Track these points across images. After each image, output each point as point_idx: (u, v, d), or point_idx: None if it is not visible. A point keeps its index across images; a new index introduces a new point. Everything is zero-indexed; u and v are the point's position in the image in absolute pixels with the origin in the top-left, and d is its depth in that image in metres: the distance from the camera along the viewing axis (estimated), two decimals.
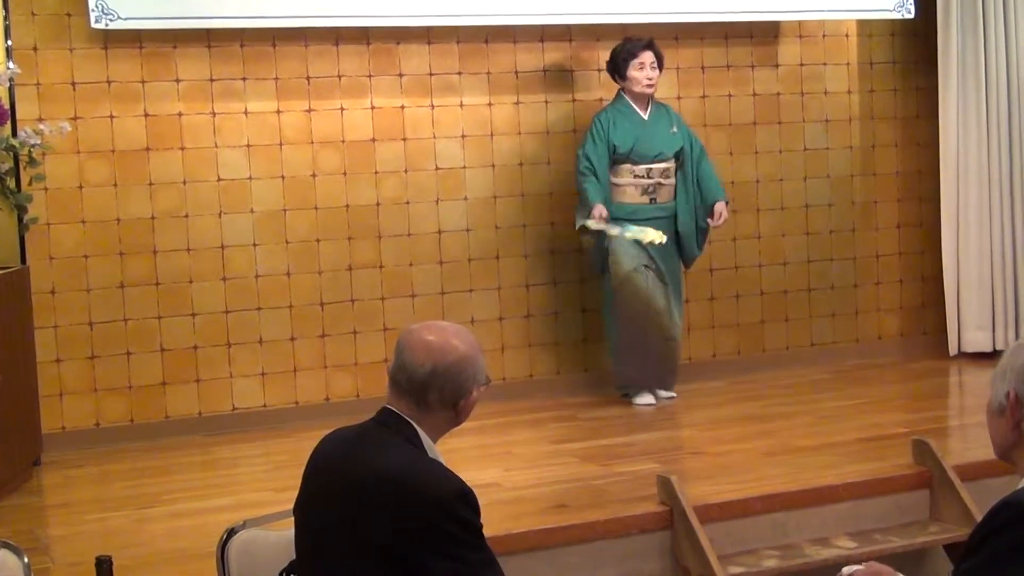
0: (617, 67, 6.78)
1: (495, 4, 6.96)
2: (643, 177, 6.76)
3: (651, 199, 6.76)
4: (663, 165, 6.78)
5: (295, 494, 3.09)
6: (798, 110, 7.81)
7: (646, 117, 6.80)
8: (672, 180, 6.82)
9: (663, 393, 6.89)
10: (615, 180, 6.75)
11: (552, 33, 7.18)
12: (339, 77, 6.86)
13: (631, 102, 6.80)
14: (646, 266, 6.70)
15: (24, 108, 6.25)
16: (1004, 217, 7.79)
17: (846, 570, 2.79)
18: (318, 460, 3.06)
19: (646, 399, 6.81)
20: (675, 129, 6.86)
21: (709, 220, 6.85)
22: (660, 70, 6.82)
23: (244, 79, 6.69)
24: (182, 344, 6.61)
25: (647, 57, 6.73)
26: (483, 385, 3.02)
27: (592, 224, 6.56)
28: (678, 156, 6.84)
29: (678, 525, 4.76)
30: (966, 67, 7.74)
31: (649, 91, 6.78)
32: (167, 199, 6.57)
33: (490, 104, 7.14)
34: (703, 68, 7.56)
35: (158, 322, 6.56)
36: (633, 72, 6.73)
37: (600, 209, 6.56)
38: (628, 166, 6.75)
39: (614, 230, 6.56)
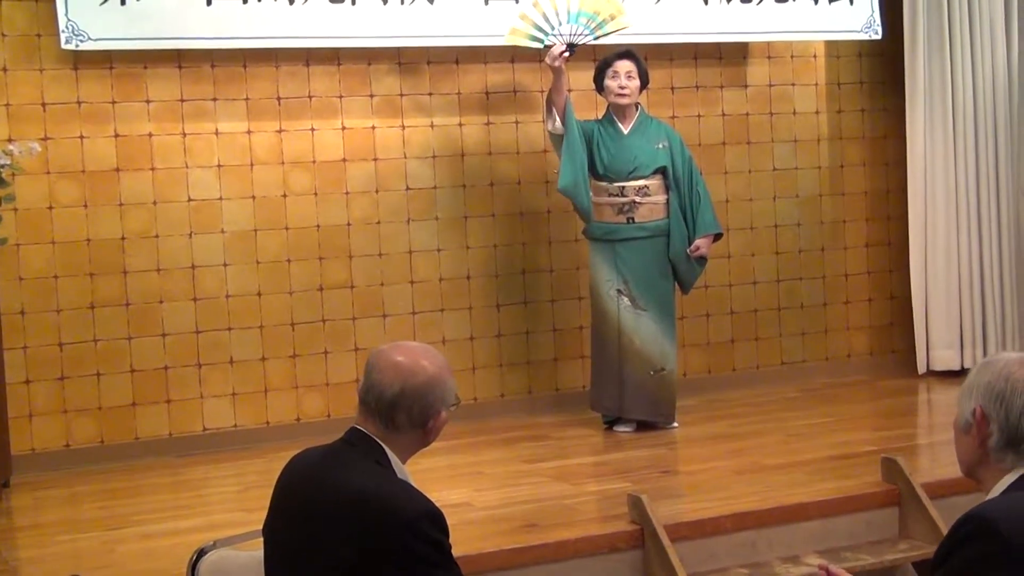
0: (596, 80, 6.75)
1: (465, 25, 6.96)
2: (617, 195, 6.60)
3: (628, 218, 6.59)
4: (638, 183, 6.59)
5: (265, 514, 3.09)
6: (767, 130, 7.86)
7: (626, 131, 6.67)
8: (654, 198, 6.62)
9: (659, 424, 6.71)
10: (594, 198, 6.64)
11: (522, 54, 7.20)
12: (310, 98, 6.87)
13: (614, 116, 6.71)
14: (619, 291, 6.60)
15: None
16: (972, 236, 7.83)
17: None
18: (286, 481, 3.06)
19: (623, 427, 6.68)
20: (661, 145, 6.67)
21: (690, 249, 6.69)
22: (643, 82, 6.70)
23: (215, 100, 6.69)
24: (152, 364, 6.59)
25: (622, 66, 6.63)
26: (452, 406, 3.02)
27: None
28: (664, 173, 6.68)
29: (649, 544, 4.76)
30: (933, 87, 7.80)
31: (622, 101, 6.64)
32: (137, 219, 6.56)
33: (461, 124, 7.16)
34: (672, 88, 7.60)
35: (128, 343, 6.54)
36: (607, 82, 6.65)
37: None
38: (604, 184, 6.63)
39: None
